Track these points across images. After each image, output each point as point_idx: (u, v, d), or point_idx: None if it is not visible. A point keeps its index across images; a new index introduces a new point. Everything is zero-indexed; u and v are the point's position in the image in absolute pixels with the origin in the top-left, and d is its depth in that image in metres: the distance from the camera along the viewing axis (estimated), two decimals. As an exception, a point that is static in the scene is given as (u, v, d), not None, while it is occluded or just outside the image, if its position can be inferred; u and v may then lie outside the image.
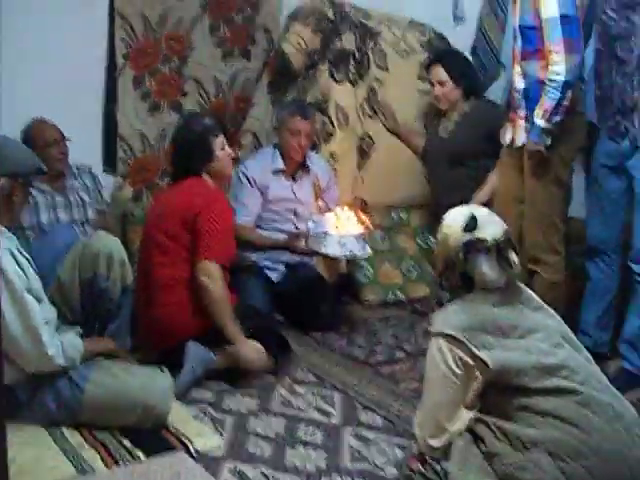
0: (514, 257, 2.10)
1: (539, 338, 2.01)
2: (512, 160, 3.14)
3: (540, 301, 2.16)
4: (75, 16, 3.74)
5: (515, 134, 3.10)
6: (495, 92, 4.52)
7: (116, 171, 3.98)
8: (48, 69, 3.65)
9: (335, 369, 3.12)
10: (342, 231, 3.41)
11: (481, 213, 2.15)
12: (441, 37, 4.65)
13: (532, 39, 2.96)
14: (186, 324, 2.92)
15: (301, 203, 3.82)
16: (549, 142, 2.94)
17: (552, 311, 2.16)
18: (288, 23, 4.31)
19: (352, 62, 4.20)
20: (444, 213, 2.24)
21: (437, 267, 2.21)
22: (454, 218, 2.15)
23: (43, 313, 2.36)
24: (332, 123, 4.10)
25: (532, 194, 3.03)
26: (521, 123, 3.06)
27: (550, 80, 2.85)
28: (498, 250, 2.08)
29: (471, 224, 2.08)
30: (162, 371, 2.68)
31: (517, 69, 3.11)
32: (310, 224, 3.53)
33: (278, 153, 3.83)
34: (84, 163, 3.76)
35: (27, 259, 2.42)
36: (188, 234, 2.94)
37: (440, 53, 4.10)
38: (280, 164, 3.81)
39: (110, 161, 3.98)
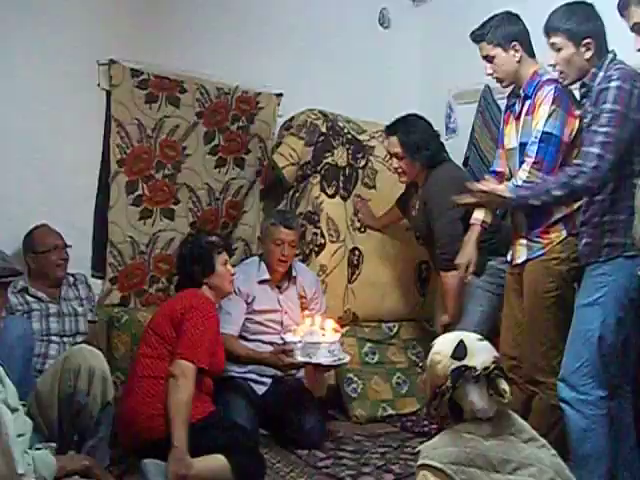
0: (505, 386, 2.03)
1: (531, 473, 1.93)
2: (513, 283, 3.12)
3: (532, 432, 2.09)
4: (71, 120, 3.82)
5: (515, 252, 3.08)
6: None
7: (105, 276, 3.95)
8: (41, 170, 3.72)
9: (321, 490, 3.01)
10: (307, 339, 3.35)
11: (470, 340, 2.10)
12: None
13: None
14: (155, 417, 2.87)
15: (287, 314, 3.77)
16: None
17: (545, 441, 2.09)
18: (281, 134, 4.38)
19: (342, 177, 4.26)
20: None
21: (425, 394, 2.15)
22: (443, 345, 2.10)
23: (17, 425, 2.28)
24: (323, 236, 4.11)
25: (531, 314, 2.99)
26: (521, 241, 3.04)
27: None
28: (488, 379, 2.02)
29: (460, 351, 2.04)
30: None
31: None
32: (289, 336, 3.46)
33: (263, 264, 3.81)
34: (80, 272, 3.75)
35: (4, 368, 2.35)
36: (173, 332, 3.05)
37: (395, 123, 3.75)
38: (265, 274, 3.78)
39: (99, 266, 3.96)
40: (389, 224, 4.29)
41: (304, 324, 3.47)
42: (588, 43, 2.68)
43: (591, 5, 2.79)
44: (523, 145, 2.99)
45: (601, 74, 2.66)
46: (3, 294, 2.42)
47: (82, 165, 3.91)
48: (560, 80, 2.84)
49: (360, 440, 3.65)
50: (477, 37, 3.10)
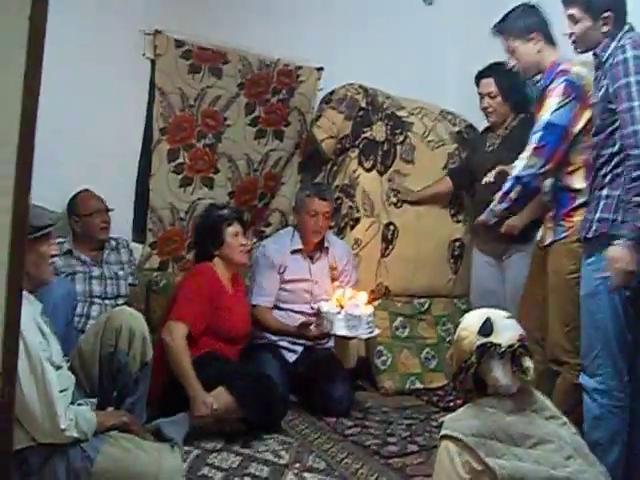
0: (529, 363, 2.09)
1: (551, 449, 1.99)
2: (539, 263, 3.15)
3: (554, 409, 2.14)
4: (116, 88, 3.91)
5: (543, 234, 3.11)
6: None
7: (145, 241, 4.05)
8: (87, 137, 3.80)
9: (346, 458, 3.08)
10: (350, 311, 3.39)
11: (497, 317, 2.15)
12: (471, 127, 4.73)
13: None
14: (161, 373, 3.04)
15: (317, 284, 3.83)
16: (492, 222, 3.08)
17: (566, 419, 2.14)
18: (321, 108, 4.41)
19: (380, 152, 4.28)
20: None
21: (451, 368, 2.21)
22: (470, 321, 2.16)
23: (60, 381, 2.37)
24: (358, 209, 4.16)
25: (555, 295, 3.01)
26: (548, 224, 3.07)
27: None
28: (512, 356, 2.08)
29: (486, 328, 2.09)
30: (173, 448, 2.69)
31: None
32: (320, 305, 3.51)
33: (297, 234, 3.87)
34: (122, 236, 3.87)
35: (48, 326, 2.45)
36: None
37: (491, 66, 3.91)
38: (298, 244, 3.84)
39: (140, 231, 4.06)
40: (435, 195, 4.33)
41: (337, 294, 3.52)
42: (607, 17, 2.57)
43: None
44: None
45: (613, 44, 2.56)
46: (48, 243, 2.48)
47: (126, 132, 4.01)
48: (573, 47, 2.73)
49: (387, 411, 3.73)
50: (497, 31, 3.13)
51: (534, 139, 2.89)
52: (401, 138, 4.39)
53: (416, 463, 3.06)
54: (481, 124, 4.75)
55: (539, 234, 3.17)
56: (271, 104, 4.38)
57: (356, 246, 4.14)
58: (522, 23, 3.03)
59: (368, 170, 4.26)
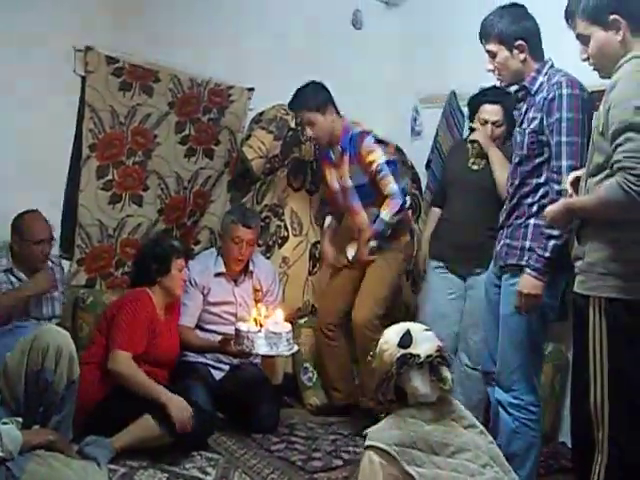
0: (447, 373, 2.19)
1: (468, 458, 2.09)
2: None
3: (472, 419, 2.25)
4: (46, 103, 3.86)
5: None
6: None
7: (72, 257, 4.03)
8: (14, 151, 3.75)
9: (272, 473, 3.14)
10: (270, 329, 3.39)
11: (416, 330, 2.26)
12: (398, 150, 4.86)
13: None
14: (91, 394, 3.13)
15: (241, 306, 3.88)
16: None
17: (483, 428, 2.25)
18: (251, 127, 4.47)
19: (309, 172, 4.38)
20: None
21: (373, 380, 2.29)
22: (391, 334, 2.27)
23: (-15, 400, 2.38)
24: (286, 228, 4.24)
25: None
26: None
27: None
28: (431, 366, 2.18)
29: (405, 340, 2.20)
30: (99, 465, 2.72)
31: None
32: (238, 325, 3.51)
33: (220, 257, 3.91)
34: (54, 254, 3.80)
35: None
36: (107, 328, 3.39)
37: (498, 93, 3.63)
38: (221, 267, 3.89)
39: (67, 247, 4.04)
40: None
41: (254, 314, 3.53)
42: (520, 45, 2.75)
43: (522, 6, 2.86)
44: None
45: (541, 79, 2.76)
46: None
47: (55, 148, 3.96)
48: (498, 82, 2.93)
49: (312, 427, 3.81)
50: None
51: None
52: (329, 158, 4.48)
53: (341, 477, 3.15)
54: (407, 147, 4.92)
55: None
56: (201, 123, 4.41)
57: (284, 264, 4.21)
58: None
59: (297, 190, 4.35)
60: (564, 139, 2.65)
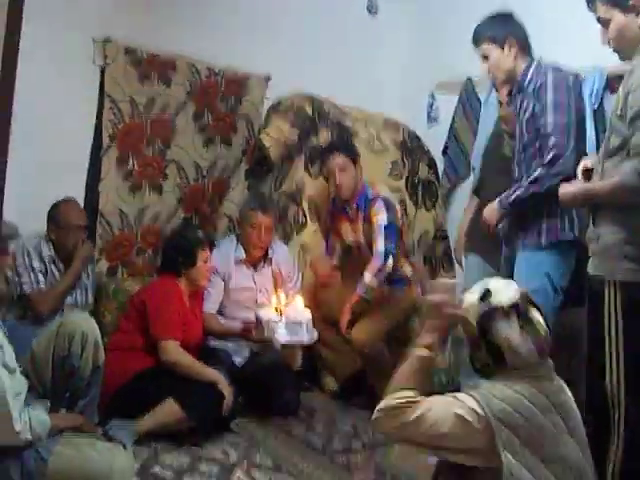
0: (537, 315, 2.07)
1: (559, 472, 1.94)
2: None
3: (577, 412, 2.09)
4: (66, 95, 3.93)
5: None
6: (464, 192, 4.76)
7: (94, 245, 4.09)
8: (36, 143, 3.78)
9: (293, 455, 3.20)
10: (290, 318, 3.45)
11: (495, 282, 2.16)
12: (415, 136, 4.89)
13: None
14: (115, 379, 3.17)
15: (262, 292, 3.93)
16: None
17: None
18: (269, 115, 4.52)
19: (326, 159, 4.40)
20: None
21: (467, 344, 2.18)
22: (470, 294, 2.16)
23: (14, 385, 2.43)
24: (304, 215, 4.28)
25: None
26: None
27: None
28: (518, 313, 2.05)
29: (485, 293, 2.10)
30: (125, 448, 2.78)
31: None
32: (258, 313, 3.58)
33: (240, 244, 3.97)
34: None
35: (3, 330, 2.50)
36: (136, 315, 3.46)
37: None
38: (242, 254, 3.94)
39: (89, 235, 4.09)
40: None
41: (274, 301, 3.60)
42: (510, 41, 2.95)
43: (509, 13, 3.06)
44: None
45: (531, 71, 2.93)
46: (5, 254, 2.56)
47: (75, 139, 4.03)
48: (492, 82, 3.19)
49: (332, 411, 3.86)
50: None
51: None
52: (347, 145, 4.51)
53: (360, 459, 3.19)
54: (423, 134, 4.94)
55: None
56: (219, 112, 4.47)
57: (302, 250, 4.24)
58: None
59: (314, 177, 4.37)
60: (550, 119, 2.82)
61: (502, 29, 2.99)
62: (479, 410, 1.91)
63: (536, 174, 2.83)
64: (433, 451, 2.00)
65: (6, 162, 1.34)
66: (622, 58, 2.46)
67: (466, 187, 4.71)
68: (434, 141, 4.90)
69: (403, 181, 4.70)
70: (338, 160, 3.93)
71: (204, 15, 4.37)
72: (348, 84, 4.77)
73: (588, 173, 2.53)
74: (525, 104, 2.95)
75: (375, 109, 4.85)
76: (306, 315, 3.47)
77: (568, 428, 1.99)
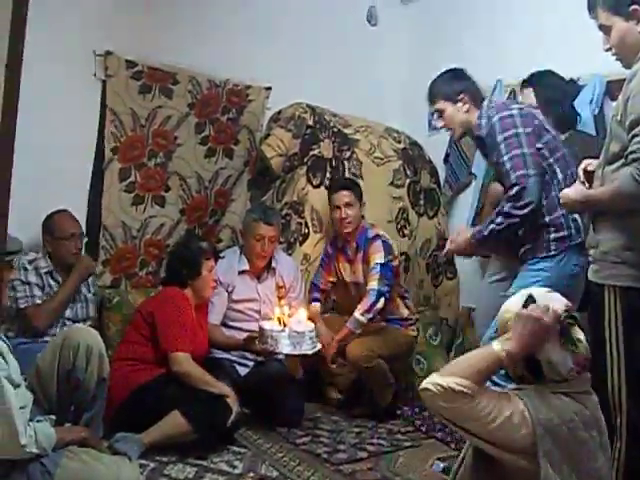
0: (579, 335, 2.00)
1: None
2: None
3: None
4: (68, 108, 3.94)
5: None
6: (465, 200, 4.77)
7: (97, 259, 4.11)
8: (38, 157, 3.77)
9: (298, 466, 3.19)
10: (293, 328, 3.43)
11: (539, 292, 2.09)
12: (416, 144, 4.91)
13: None
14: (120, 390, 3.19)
15: (265, 303, 3.94)
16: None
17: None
18: (270, 126, 4.54)
19: (328, 168, 4.42)
20: None
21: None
22: (513, 301, 2.10)
23: (19, 399, 2.44)
24: (307, 226, 4.29)
25: None
26: None
27: None
28: (560, 328, 1.98)
29: (528, 300, 2.03)
30: (130, 460, 2.79)
31: None
32: (262, 324, 3.56)
33: (244, 255, 3.98)
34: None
35: (7, 344, 2.51)
36: (146, 326, 3.45)
37: (532, 76, 3.63)
38: (245, 265, 3.96)
39: (92, 249, 4.11)
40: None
41: (277, 313, 3.56)
42: (462, 98, 3.08)
43: (460, 69, 3.21)
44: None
45: (483, 122, 3.01)
46: (9, 267, 2.59)
47: (77, 152, 4.05)
48: (450, 135, 3.38)
49: (337, 420, 3.86)
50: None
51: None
52: (348, 154, 4.54)
53: (366, 469, 3.19)
54: (425, 142, 4.95)
55: None
56: (221, 123, 4.49)
57: (305, 261, 4.25)
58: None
59: (316, 187, 4.38)
60: (505, 158, 2.88)
61: (456, 86, 3.12)
62: (527, 414, 1.88)
63: (505, 209, 2.89)
64: (476, 440, 1.95)
65: (10, 177, 1.36)
66: (624, 65, 2.47)
67: (468, 195, 4.74)
68: (435, 149, 4.91)
69: (405, 189, 4.71)
70: (345, 196, 4.02)
71: (204, 27, 4.40)
72: (349, 93, 4.81)
73: (589, 174, 2.53)
74: (486, 150, 3.09)
75: (376, 118, 4.89)
76: (309, 326, 3.47)
77: (601, 444, 1.97)
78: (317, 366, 4.02)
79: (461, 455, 2.11)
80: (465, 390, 1.88)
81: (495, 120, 2.93)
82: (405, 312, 4.11)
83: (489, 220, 2.98)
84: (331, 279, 4.18)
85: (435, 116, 3.25)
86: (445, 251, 3.31)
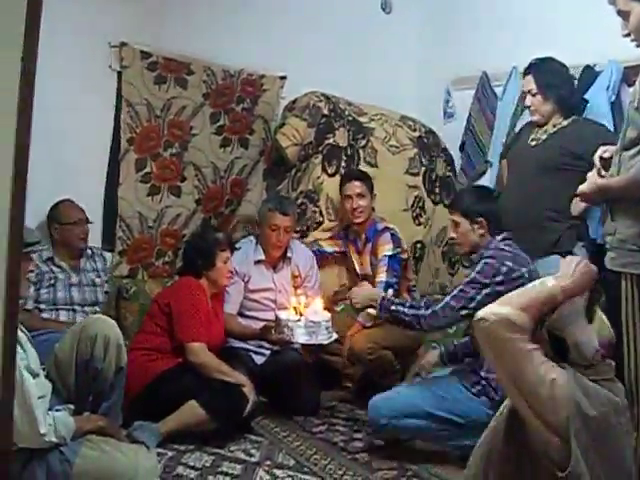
0: (603, 316, 1.99)
1: (613, 473, 1.88)
2: None
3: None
4: (84, 100, 3.96)
5: None
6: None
7: (114, 249, 4.14)
8: (55, 148, 3.81)
9: (315, 454, 3.21)
10: (309, 318, 3.43)
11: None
12: (431, 132, 4.89)
13: None
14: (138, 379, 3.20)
15: (281, 292, 3.95)
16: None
17: None
18: (284, 115, 4.54)
19: (344, 157, 4.42)
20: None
21: None
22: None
23: (38, 388, 2.46)
24: (322, 214, 4.29)
25: None
26: None
27: None
28: (587, 309, 1.98)
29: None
30: (148, 449, 2.81)
31: None
32: (278, 314, 3.57)
33: (259, 245, 3.99)
34: (96, 245, 3.97)
35: (26, 334, 2.54)
36: (162, 316, 3.47)
37: (532, 63, 3.66)
38: (261, 255, 3.97)
39: (109, 239, 4.15)
40: None
41: (294, 303, 3.57)
42: (481, 222, 3.09)
43: (487, 188, 3.28)
44: None
45: (491, 251, 3.04)
46: (28, 259, 2.62)
47: (94, 143, 4.08)
48: (456, 249, 3.45)
49: (353, 409, 3.86)
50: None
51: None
52: (363, 142, 4.53)
53: (382, 457, 3.19)
54: (440, 130, 4.94)
55: None
56: (236, 113, 4.49)
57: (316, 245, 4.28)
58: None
59: (331, 175, 4.38)
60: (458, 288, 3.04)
61: (478, 207, 3.12)
62: (566, 387, 1.83)
63: None
64: (513, 395, 1.90)
65: (27, 168, 1.39)
66: None
67: (484, 182, 4.71)
68: (451, 137, 4.89)
69: (420, 177, 4.69)
70: (357, 186, 4.05)
71: (219, 17, 4.40)
72: (364, 82, 4.80)
73: (606, 161, 2.51)
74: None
75: (391, 106, 4.87)
76: (325, 315, 3.47)
77: (628, 431, 1.95)
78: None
79: (484, 436, 2.07)
80: (519, 321, 1.85)
81: (483, 261, 2.99)
82: None
83: None
84: None
85: (450, 224, 3.28)
86: None
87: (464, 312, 2.96)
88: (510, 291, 2.41)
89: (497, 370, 1.95)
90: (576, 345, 1.93)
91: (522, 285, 2.59)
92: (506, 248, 3.05)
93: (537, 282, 2.01)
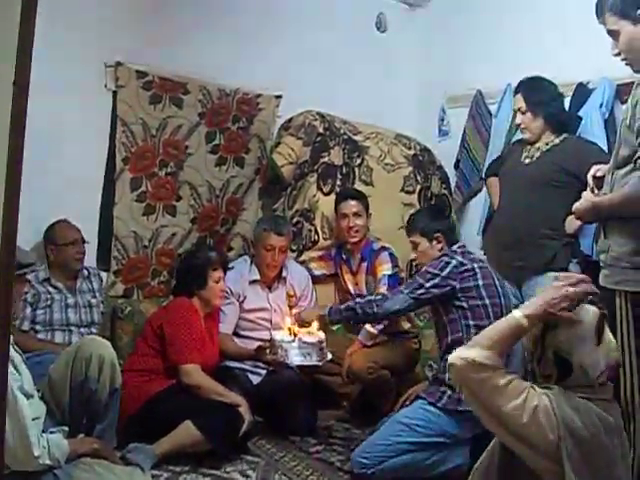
0: (611, 337, 2.00)
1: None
2: None
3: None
4: (79, 119, 3.95)
5: None
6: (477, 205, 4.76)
7: (109, 269, 4.12)
8: (50, 168, 3.80)
9: (312, 475, 3.19)
10: (303, 339, 3.42)
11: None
12: (426, 150, 4.90)
13: None
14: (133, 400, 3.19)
15: (277, 312, 3.94)
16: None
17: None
18: (280, 134, 4.54)
19: (339, 176, 4.43)
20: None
21: (528, 350, 2.10)
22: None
23: (32, 410, 2.45)
24: (317, 232, 4.29)
25: None
26: None
27: None
28: (597, 331, 1.97)
29: None
30: (143, 471, 2.79)
31: None
32: (273, 335, 3.57)
33: (254, 264, 3.99)
34: (92, 265, 3.96)
35: (20, 355, 2.53)
36: (155, 338, 3.46)
37: (522, 82, 3.70)
38: (256, 275, 3.97)
39: (104, 259, 4.13)
40: None
41: (288, 323, 3.55)
42: (438, 237, 3.28)
43: (441, 208, 3.57)
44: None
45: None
46: (22, 281, 2.61)
47: (89, 162, 4.06)
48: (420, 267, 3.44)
49: (349, 428, 3.85)
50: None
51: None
52: (358, 161, 4.55)
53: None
54: (435, 147, 4.96)
55: None
56: (231, 132, 4.49)
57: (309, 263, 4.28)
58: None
59: (327, 194, 4.39)
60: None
61: (434, 225, 3.31)
62: (551, 412, 1.85)
63: None
64: (501, 431, 1.91)
65: (19, 189, 1.38)
66: (634, 70, 2.47)
67: (479, 200, 4.72)
68: (446, 155, 4.91)
69: (416, 195, 4.70)
70: (353, 205, 4.07)
71: (214, 37, 4.40)
72: (359, 101, 4.82)
73: (599, 180, 2.52)
74: None
75: (386, 124, 4.88)
76: (319, 336, 3.45)
77: (623, 453, 1.95)
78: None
79: (483, 455, 2.08)
80: (486, 362, 1.90)
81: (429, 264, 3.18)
82: (406, 325, 4.11)
83: None
84: None
85: (411, 246, 3.43)
86: None
87: (413, 295, 3.12)
88: (464, 286, 3.06)
89: (474, 407, 1.98)
90: (581, 367, 1.95)
91: (473, 278, 3.09)
92: (458, 250, 3.23)
93: (505, 318, 2.06)
